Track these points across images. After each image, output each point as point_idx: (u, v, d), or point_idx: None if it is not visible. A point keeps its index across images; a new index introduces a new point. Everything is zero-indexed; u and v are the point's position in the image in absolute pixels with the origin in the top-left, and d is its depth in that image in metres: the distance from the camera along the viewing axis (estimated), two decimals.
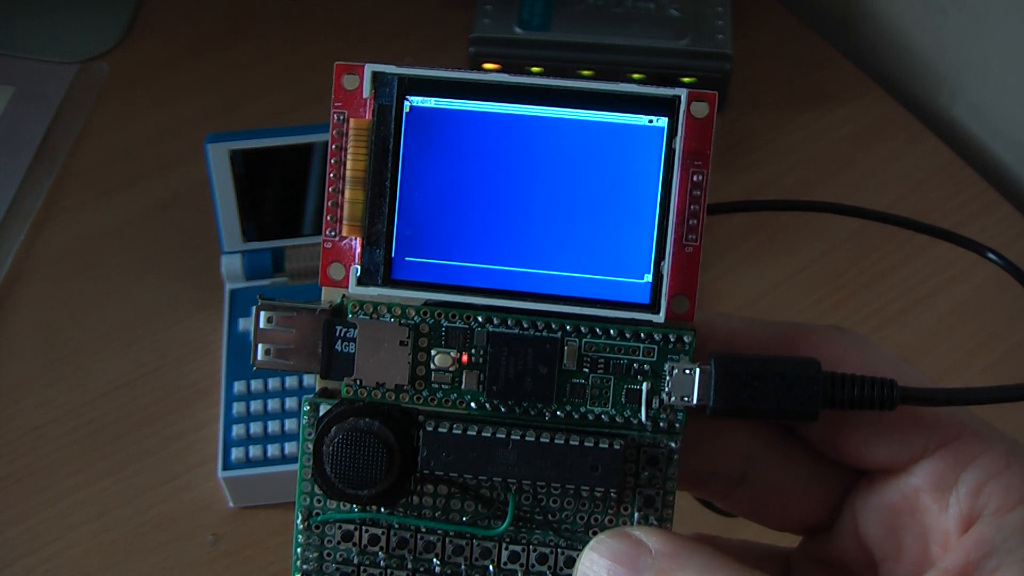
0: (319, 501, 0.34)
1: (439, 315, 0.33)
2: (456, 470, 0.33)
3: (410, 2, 0.92)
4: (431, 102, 0.33)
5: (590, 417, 0.33)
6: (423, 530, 0.34)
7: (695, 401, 0.33)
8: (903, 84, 0.90)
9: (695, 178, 0.33)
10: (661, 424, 0.33)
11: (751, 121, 0.85)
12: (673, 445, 0.33)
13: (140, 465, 0.67)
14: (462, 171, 0.33)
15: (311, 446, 0.33)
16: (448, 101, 0.33)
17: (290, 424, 0.66)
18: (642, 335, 0.33)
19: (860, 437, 0.34)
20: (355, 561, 0.34)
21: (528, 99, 0.33)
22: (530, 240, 0.33)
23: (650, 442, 0.33)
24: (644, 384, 0.33)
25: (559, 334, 0.33)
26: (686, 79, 0.81)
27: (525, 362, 0.33)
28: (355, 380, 0.33)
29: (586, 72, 0.81)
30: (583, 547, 0.32)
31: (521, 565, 0.34)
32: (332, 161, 0.33)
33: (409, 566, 0.34)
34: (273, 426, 0.66)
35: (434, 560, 0.34)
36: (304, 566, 0.34)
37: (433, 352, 0.33)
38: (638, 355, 0.33)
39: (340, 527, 0.34)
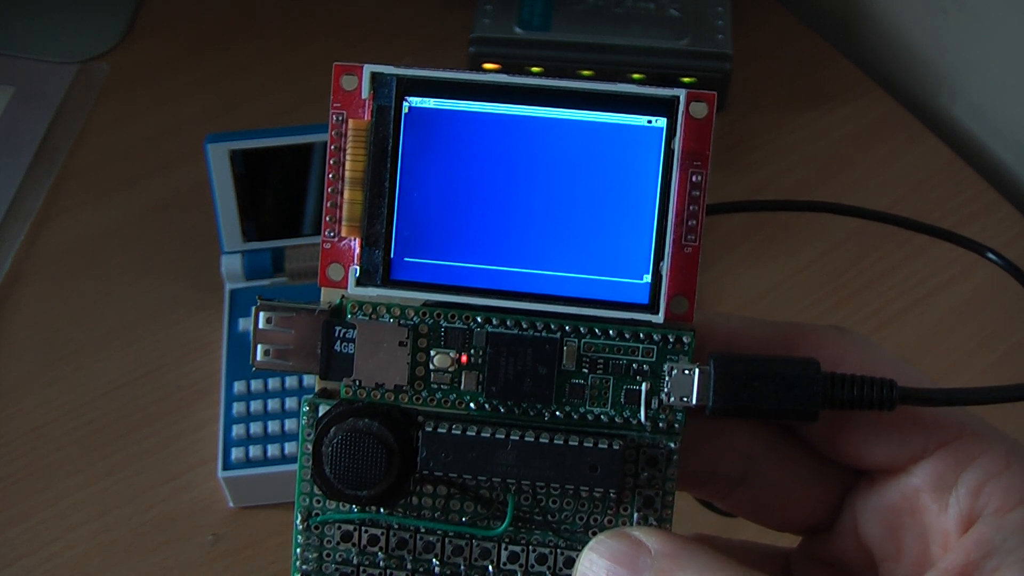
0: (318, 501, 0.34)
1: (438, 316, 0.33)
2: (455, 470, 0.33)
3: (410, 2, 0.92)
4: (430, 103, 0.33)
5: (589, 417, 0.33)
6: (422, 530, 0.34)
7: (694, 401, 0.33)
8: (903, 84, 0.90)
9: (694, 178, 0.33)
10: (660, 424, 0.33)
11: (751, 121, 0.85)
12: (672, 445, 0.33)
13: (140, 465, 0.67)
14: (461, 172, 0.33)
15: (310, 446, 0.33)
16: (447, 102, 0.33)
17: (290, 424, 0.66)
18: (641, 335, 0.33)
19: (860, 437, 0.34)
20: (354, 561, 0.34)
21: (527, 99, 0.33)
22: (529, 240, 0.33)
23: (649, 442, 0.33)
24: (643, 384, 0.33)
25: (558, 334, 0.33)
26: (686, 79, 0.81)
27: (524, 362, 0.33)
28: (354, 381, 0.33)
29: (586, 72, 0.81)
30: (582, 547, 0.32)
31: (520, 565, 0.34)
32: (331, 162, 0.33)
33: (408, 566, 0.34)
34: (273, 426, 0.66)
35: (433, 560, 0.34)
36: (303, 566, 0.34)
37: (432, 353, 0.33)
38: (637, 355, 0.33)
39: (339, 527, 0.34)
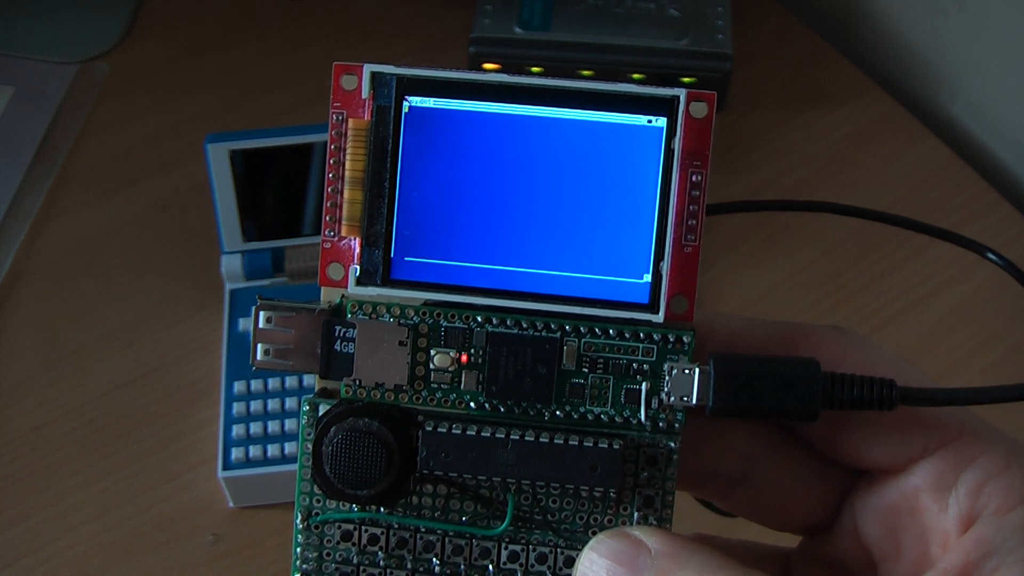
0: (318, 501, 0.34)
1: (438, 315, 0.33)
2: (455, 470, 0.33)
3: (410, 2, 0.93)
4: (430, 102, 0.33)
5: (589, 417, 0.33)
6: (422, 530, 0.34)
7: (694, 401, 0.33)
8: (903, 84, 0.90)
9: (694, 178, 0.33)
10: (660, 424, 0.33)
11: (751, 121, 0.85)
12: (672, 445, 0.33)
13: (140, 465, 0.67)
14: (461, 171, 0.33)
15: (310, 446, 0.33)
16: (447, 101, 0.33)
17: (290, 424, 0.66)
18: (641, 335, 0.33)
19: (860, 437, 0.34)
20: (355, 561, 0.34)
21: (527, 99, 0.33)
22: (529, 240, 0.33)
23: (649, 442, 0.33)
24: (643, 384, 0.33)
25: (558, 334, 0.33)
26: (686, 79, 0.81)
27: (524, 362, 0.33)
28: (354, 380, 0.33)
29: (586, 72, 0.81)
30: (582, 547, 0.32)
31: (520, 565, 0.34)
32: (331, 161, 0.33)
33: (408, 566, 0.34)
34: (273, 426, 0.66)
35: (433, 560, 0.34)
36: (304, 566, 0.34)
37: (432, 352, 0.33)
38: (637, 355, 0.33)
39: (339, 527, 0.34)
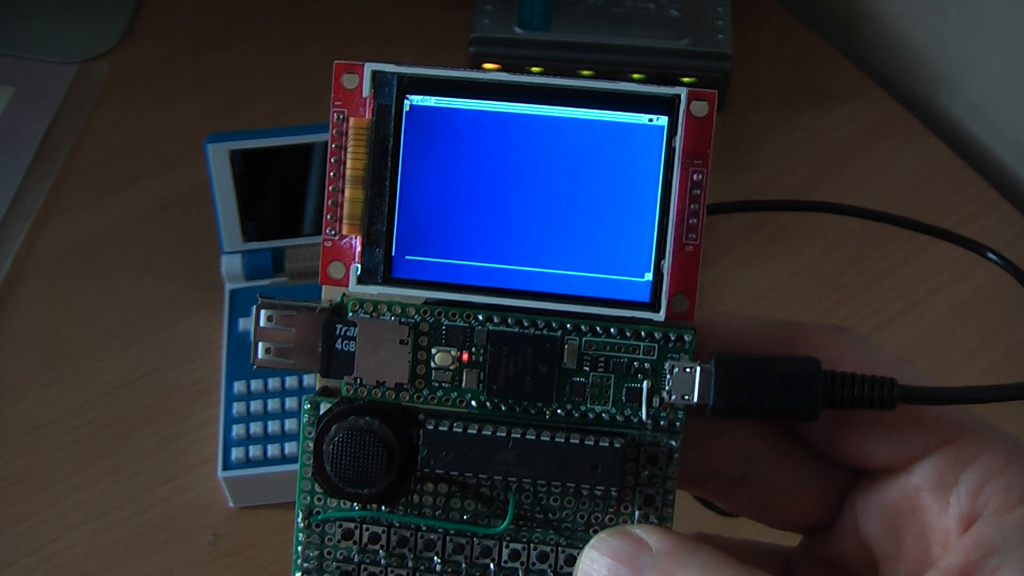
0: (319, 500, 0.34)
1: (439, 314, 0.33)
2: (456, 469, 0.33)
3: (410, 2, 0.93)
4: (431, 101, 0.33)
5: (590, 416, 0.33)
6: (423, 528, 0.34)
7: (695, 400, 0.33)
8: (903, 84, 0.90)
9: (695, 177, 0.33)
10: (661, 423, 0.33)
11: (751, 121, 0.85)
12: (673, 444, 0.33)
13: (140, 465, 0.67)
14: (462, 170, 0.33)
15: (311, 445, 0.33)
16: (448, 100, 0.33)
17: (290, 424, 0.66)
18: (642, 334, 0.33)
19: (860, 436, 0.34)
20: (356, 559, 0.34)
21: (528, 98, 0.33)
22: (530, 238, 0.33)
23: (650, 441, 0.33)
24: (644, 383, 0.33)
25: (559, 333, 0.33)
26: (686, 79, 0.81)
27: (525, 361, 0.33)
28: (355, 379, 0.33)
29: (586, 72, 0.81)
30: (583, 546, 0.32)
31: (522, 563, 0.34)
32: (332, 160, 0.33)
33: (410, 564, 0.34)
34: (273, 426, 0.66)
35: (435, 558, 0.34)
36: (305, 564, 0.34)
37: (433, 351, 0.33)
38: (638, 354, 0.33)
39: (341, 525, 0.34)
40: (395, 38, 0.90)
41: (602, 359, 0.33)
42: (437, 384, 0.33)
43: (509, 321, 0.33)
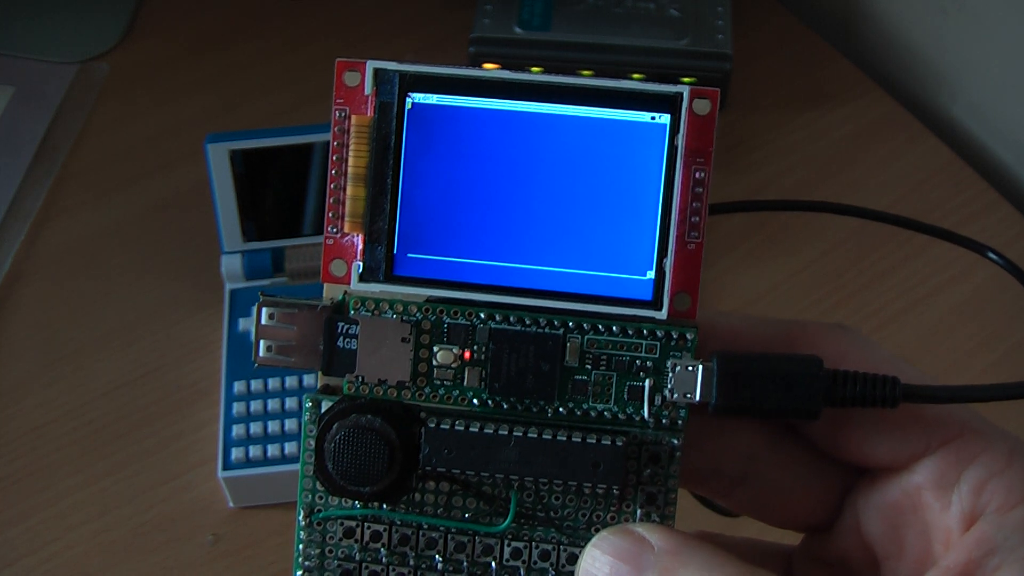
0: (321, 498, 0.34)
1: (441, 312, 0.33)
2: (458, 467, 0.32)
3: (410, 2, 0.93)
4: (433, 99, 0.33)
5: (592, 414, 0.33)
6: (425, 527, 0.34)
7: (698, 398, 0.33)
8: (903, 84, 0.90)
9: (697, 175, 0.33)
10: (663, 421, 0.33)
11: (751, 121, 0.85)
12: (675, 442, 0.33)
13: (140, 465, 0.67)
14: (464, 167, 0.33)
15: (313, 443, 0.33)
16: (450, 98, 0.33)
17: (290, 424, 0.66)
18: (644, 332, 0.33)
19: (862, 435, 0.34)
20: (357, 558, 0.34)
21: (530, 96, 0.33)
22: (532, 236, 0.33)
23: (652, 439, 0.33)
24: (646, 381, 0.33)
25: (561, 331, 0.33)
26: (686, 79, 0.81)
27: (527, 359, 0.33)
28: (357, 377, 0.33)
29: (586, 72, 0.81)
30: (585, 544, 0.32)
31: (523, 562, 0.34)
32: (334, 158, 0.33)
33: (411, 563, 0.34)
34: (273, 426, 0.66)
35: (436, 557, 0.34)
36: (306, 563, 0.34)
37: (435, 349, 0.33)
38: (640, 352, 0.33)
39: (342, 524, 0.34)
40: (395, 38, 0.90)
41: (604, 357, 0.33)
42: (439, 382, 0.33)
43: (511, 319, 0.33)
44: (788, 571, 0.38)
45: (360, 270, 0.33)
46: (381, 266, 0.33)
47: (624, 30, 0.82)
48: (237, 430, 0.66)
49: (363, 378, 0.33)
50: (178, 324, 0.73)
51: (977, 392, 0.33)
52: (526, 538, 0.34)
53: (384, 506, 0.34)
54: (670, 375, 0.33)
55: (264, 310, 0.33)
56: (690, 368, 0.33)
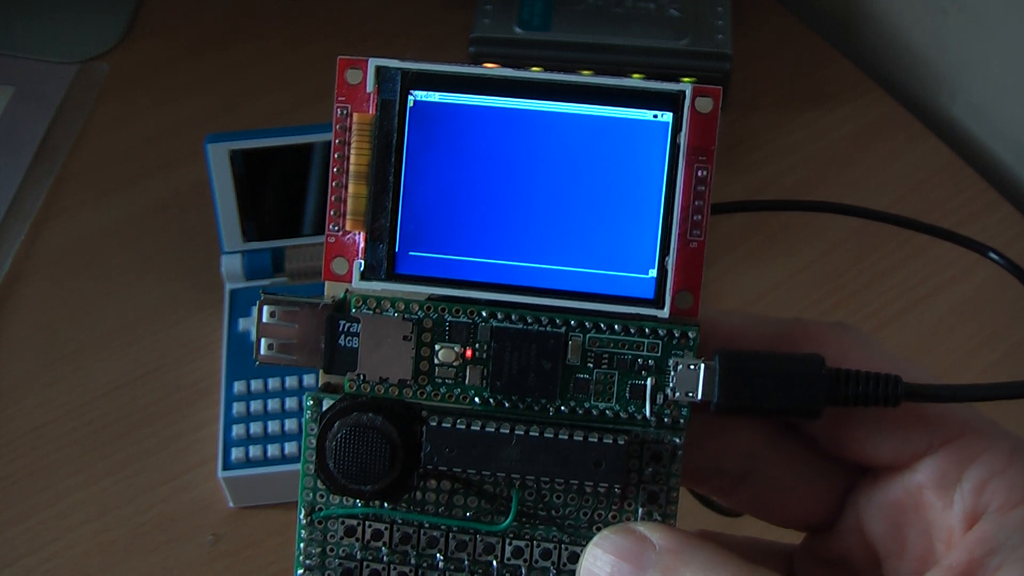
0: (322, 496, 0.34)
1: (443, 310, 0.33)
2: (459, 465, 0.32)
3: (410, 2, 0.93)
4: (435, 96, 0.33)
5: (594, 413, 0.33)
6: (426, 525, 0.34)
7: (699, 397, 0.33)
8: (903, 84, 0.90)
9: (699, 173, 0.33)
10: (665, 420, 0.33)
11: (751, 121, 0.85)
12: (677, 441, 0.33)
13: (140, 465, 0.67)
14: (466, 166, 0.33)
15: (314, 441, 0.33)
16: (452, 96, 0.33)
17: (290, 424, 0.66)
18: (646, 330, 0.33)
19: (863, 434, 0.34)
20: (358, 556, 0.34)
21: (532, 94, 0.33)
22: (534, 235, 0.33)
23: (654, 438, 0.33)
24: (648, 379, 0.33)
25: (563, 329, 0.33)
26: (686, 79, 0.80)
27: (529, 357, 0.33)
28: (358, 375, 0.33)
29: (586, 72, 0.81)
30: (587, 543, 0.32)
31: (525, 560, 0.34)
32: (335, 156, 0.33)
33: (412, 561, 0.34)
34: (273, 426, 0.66)
35: (437, 555, 0.34)
36: (307, 561, 0.34)
37: (437, 347, 0.33)
38: (642, 350, 0.33)
39: (343, 522, 0.34)
40: (395, 38, 0.90)
41: (606, 356, 0.33)
42: (440, 380, 0.33)
43: (513, 317, 0.33)
44: (790, 570, 0.38)
45: (362, 268, 0.33)
46: (383, 264, 0.33)
47: (624, 30, 0.82)
48: (237, 430, 0.65)
49: (364, 376, 0.33)
50: (178, 324, 0.73)
51: (979, 391, 0.33)
52: (527, 537, 0.34)
53: (385, 505, 0.33)
54: (672, 374, 0.33)
55: (265, 308, 0.33)
56: (692, 367, 0.33)
